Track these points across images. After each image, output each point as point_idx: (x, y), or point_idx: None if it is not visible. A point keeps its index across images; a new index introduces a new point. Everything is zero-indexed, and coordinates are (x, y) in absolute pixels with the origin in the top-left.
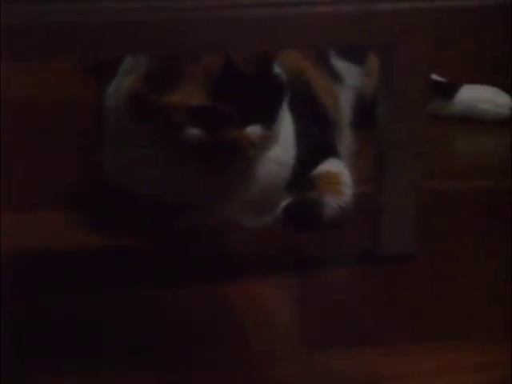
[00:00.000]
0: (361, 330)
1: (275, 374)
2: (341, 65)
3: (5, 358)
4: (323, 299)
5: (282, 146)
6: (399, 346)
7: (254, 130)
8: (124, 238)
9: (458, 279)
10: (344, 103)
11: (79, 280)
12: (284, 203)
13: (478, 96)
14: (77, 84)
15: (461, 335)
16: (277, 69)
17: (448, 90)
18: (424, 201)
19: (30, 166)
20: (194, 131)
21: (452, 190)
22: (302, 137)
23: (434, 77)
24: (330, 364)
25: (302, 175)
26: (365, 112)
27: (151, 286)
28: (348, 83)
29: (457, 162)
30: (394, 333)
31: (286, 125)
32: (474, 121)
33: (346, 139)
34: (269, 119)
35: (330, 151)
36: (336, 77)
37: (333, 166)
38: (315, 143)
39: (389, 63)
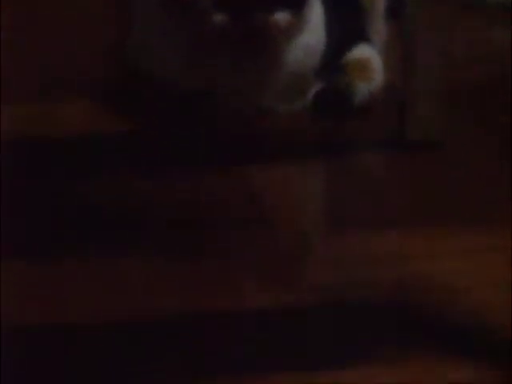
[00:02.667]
0: (386, 212)
1: (297, 254)
2: None
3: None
4: (351, 183)
5: (311, 33)
6: (423, 227)
7: (281, 17)
8: (151, 124)
9: (484, 166)
10: None
11: (104, 164)
12: (314, 89)
13: None
14: None
15: (481, 219)
16: None
17: None
18: (453, 89)
19: (56, 53)
20: (219, 17)
21: (482, 76)
22: (332, 23)
23: None
24: (356, 245)
25: (333, 61)
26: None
27: (178, 170)
28: None
29: (490, 51)
30: (417, 215)
31: (316, 11)
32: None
33: (379, 27)
34: (297, 5)
35: (360, 37)
36: None
37: (363, 52)
38: (346, 29)
39: None
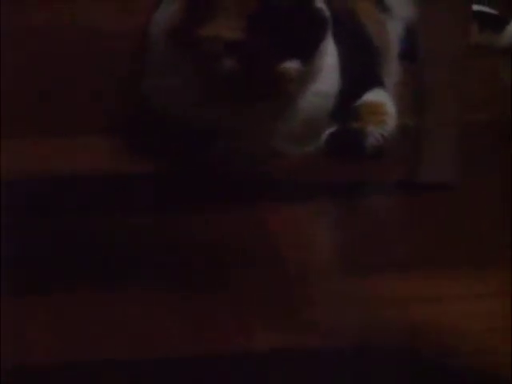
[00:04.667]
0: (395, 255)
1: (308, 295)
2: None
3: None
4: (361, 225)
5: (325, 79)
6: (435, 270)
7: (291, 65)
8: (164, 163)
9: (497, 208)
10: (392, 34)
11: (118, 204)
12: (327, 133)
13: None
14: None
15: (490, 263)
16: (319, 2)
17: (498, 23)
18: (467, 132)
19: (72, 92)
20: (228, 64)
21: (496, 122)
22: (346, 67)
23: (485, 9)
24: (364, 287)
25: (346, 105)
26: (414, 43)
27: (191, 209)
28: (397, 14)
29: (503, 95)
30: (427, 259)
31: (330, 56)
32: None
33: (392, 70)
34: (308, 54)
35: (374, 81)
36: (384, 7)
37: (377, 97)
38: (360, 73)
39: None
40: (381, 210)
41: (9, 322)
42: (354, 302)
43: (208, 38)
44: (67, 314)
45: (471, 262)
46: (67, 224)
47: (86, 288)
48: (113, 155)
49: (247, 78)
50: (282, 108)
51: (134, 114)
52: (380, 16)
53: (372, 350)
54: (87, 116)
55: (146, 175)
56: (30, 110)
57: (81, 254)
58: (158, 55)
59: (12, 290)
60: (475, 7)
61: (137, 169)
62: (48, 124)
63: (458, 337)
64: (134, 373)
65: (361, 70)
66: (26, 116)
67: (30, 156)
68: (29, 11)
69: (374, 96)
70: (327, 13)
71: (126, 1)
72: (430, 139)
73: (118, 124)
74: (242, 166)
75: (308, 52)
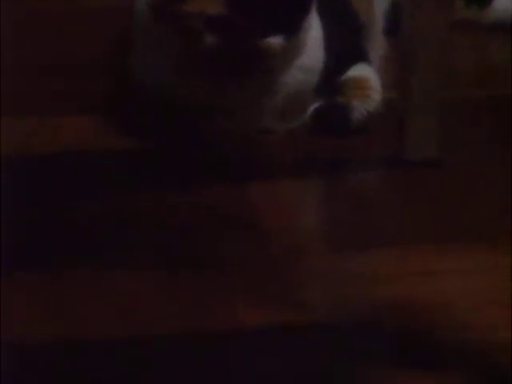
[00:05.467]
0: (383, 231)
1: (295, 272)
2: None
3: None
4: (348, 202)
5: (309, 54)
6: (422, 246)
7: (274, 41)
8: (151, 142)
9: (483, 183)
10: (377, 9)
11: (105, 182)
12: (312, 108)
13: None
14: None
15: (480, 238)
16: None
17: None
18: (452, 108)
19: (59, 72)
20: (210, 39)
21: (480, 98)
22: (331, 42)
23: None
24: (351, 264)
25: (331, 80)
26: (399, 18)
27: (177, 187)
28: None
29: (488, 70)
30: (413, 234)
31: (314, 31)
32: (509, 29)
33: (377, 45)
34: (292, 29)
35: (359, 56)
36: None
37: (361, 71)
38: (344, 48)
39: None
40: (366, 186)
41: (8, 300)
42: (341, 278)
43: (190, 12)
44: (66, 292)
45: (462, 237)
46: (66, 201)
47: (70, 265)
48: (103, 132)
49: (229, 54)
50: (266, 84)
51: (123, 92)
52: None
53: (362, 326)
54: (73, 94)
55: (134, 152)
56: (26, 88)
57: (73, 232)
58: (144, 31)
59: (11, 269)
60: None
61: (125, 146)
62: (43, 102)
63: (449, 312)
64: (130, 350)
65: (346, 45)
66: (23, 94)
67: (29, 134)
68: None
69: (359, 71)
70: None
71: None
72: (414, 114)
73: (108, 102)
74: (229, 143)
75: (291, 27)
